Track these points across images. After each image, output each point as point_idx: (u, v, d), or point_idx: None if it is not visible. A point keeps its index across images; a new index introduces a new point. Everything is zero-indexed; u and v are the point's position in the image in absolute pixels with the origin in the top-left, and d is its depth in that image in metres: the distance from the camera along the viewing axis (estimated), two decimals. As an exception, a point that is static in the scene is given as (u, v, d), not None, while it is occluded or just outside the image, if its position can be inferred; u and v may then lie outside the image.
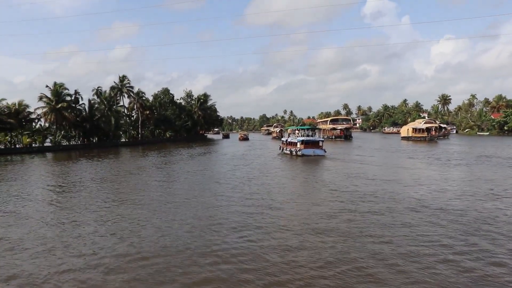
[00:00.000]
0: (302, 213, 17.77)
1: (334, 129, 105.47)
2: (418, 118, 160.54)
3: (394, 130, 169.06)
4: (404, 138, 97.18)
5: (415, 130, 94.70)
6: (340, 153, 52.92)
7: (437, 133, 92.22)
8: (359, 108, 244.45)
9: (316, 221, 16.34)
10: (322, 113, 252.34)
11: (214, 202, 20.76)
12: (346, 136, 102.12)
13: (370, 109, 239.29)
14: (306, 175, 30.45)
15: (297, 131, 54.91)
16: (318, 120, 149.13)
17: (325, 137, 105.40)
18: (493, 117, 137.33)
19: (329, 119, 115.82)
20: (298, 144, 48.86)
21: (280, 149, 55.76)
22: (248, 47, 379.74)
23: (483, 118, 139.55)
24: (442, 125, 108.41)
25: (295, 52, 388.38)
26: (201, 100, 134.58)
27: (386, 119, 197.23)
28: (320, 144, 49.36)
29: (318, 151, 47.80)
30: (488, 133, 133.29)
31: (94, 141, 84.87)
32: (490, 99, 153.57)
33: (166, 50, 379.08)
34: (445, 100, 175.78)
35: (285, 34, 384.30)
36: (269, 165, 39.46)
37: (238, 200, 21.11)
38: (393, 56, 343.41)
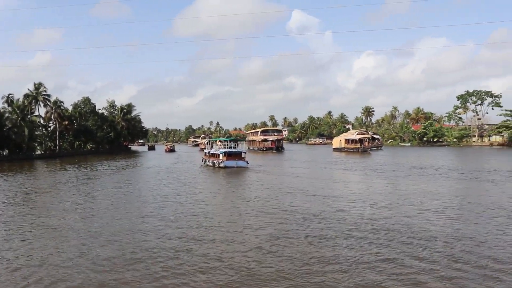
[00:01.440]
0: (241, 244, 14.94)
1: (265, 140, 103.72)
2: (343, 130, 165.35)
3: (318, 141, 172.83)
4: (336, 149, 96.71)
5: (347, 141, 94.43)
6: (272, 166, 51.99)
7: (370, 144, 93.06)
8: (285, 119, 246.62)
9: (255, 254, 13.64)
10: (248, 124, 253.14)
11: (139, 228, 17.69)
12: (277, 147, 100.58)
13: (296, 120, 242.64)
14: (239, 192, 28.32)
15: (219, 143, 55.22)
16: (248, 131, 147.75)
17: (255, 148, 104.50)
18: (413, 129, 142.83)
19: (260, 130, 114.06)
20: (221, 155, 48.84)
21: (203, 161, 55.55)
22: (176, 57, 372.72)
23: (405, 129, 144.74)
24: (375, 136, 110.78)
25: (223, 63, 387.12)
26: (125, 110, 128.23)
27: (312, 130, 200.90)
28: (243, 155, 49.57)
29: (241, 163, 47.89)
30: (409, 144, 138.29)
31: (4, 153, 77.49)
32: (410, 111, 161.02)
33: (91, 59, 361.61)
34: (368, 112, 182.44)
35: (210, 39, 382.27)
36: (197, 178, 37.64)
37: (166, 225, 18.20)
38: (319, 69, 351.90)
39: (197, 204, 23.09)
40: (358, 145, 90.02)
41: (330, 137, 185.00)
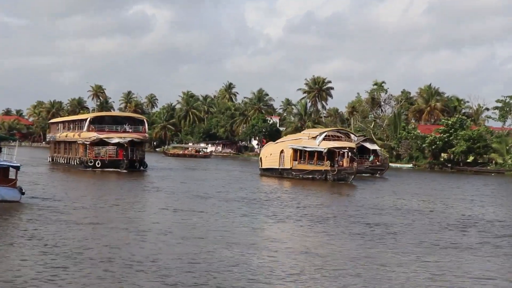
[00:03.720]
0: None
1: (104, 143, 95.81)
2: (265, 127, 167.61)
3: (193, 148, 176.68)
4: (267, 171, 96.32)
5: (299, 154, 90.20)
6: (119, 212, 46.99)
7: (354, 165, 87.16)
8: (128, 97, 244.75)
9: None
10: (41, 103, 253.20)
11: None
12: (132, 162, 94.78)
13: (153, 100, 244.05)
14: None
15: None
16: (53, 120, 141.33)
17: (75, 161, 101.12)
18: (420, 132, 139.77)
19: (88, 117, 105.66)
20: None
21: None
22: None
23: (402, 132, 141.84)
24: (367, 143, 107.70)
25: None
26: None
27: (191, 124, 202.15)
28: (11, 175, 49.43)
29: (5, 192, 46.86)
30: (411, 164, 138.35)
31: None
32: (413, 93, 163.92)
33: None
34: (320, 89, 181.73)
35: None
36: None
37: None
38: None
39: None
40: (325, 166, 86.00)
41: (231, 142, 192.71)
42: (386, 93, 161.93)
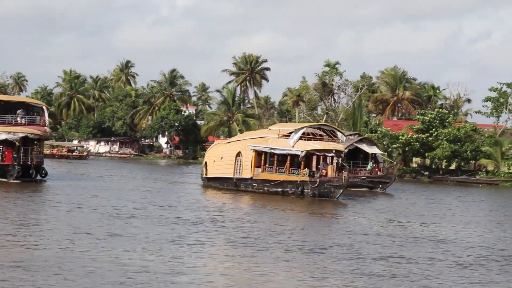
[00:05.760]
0: None
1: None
2: (173, 115, 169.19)
3: (62, 147, 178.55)
4: (216, 181, 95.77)
5: (264, 158, 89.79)
6: None
7: (342, 175, 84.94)
8: None
9: None
10: None
11: None
12: (26, 168, 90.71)
13: (21, 82, 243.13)
14: None
15: None
16: None
17: None
18: (386, 129, 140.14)
19: None
20: None
21: None
22: None
23: (364, 130, 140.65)
24: (368, 147, 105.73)
25: None
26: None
27: (76, 114, 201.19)
28: None
29: None
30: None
31: None
32: (374, 78, 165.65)
33: None
34: (253, 70, 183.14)
35: None
36: None
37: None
38: None
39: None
40: (302, 175, 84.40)
41: (132, 139, 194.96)
42: (341, 78, 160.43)
